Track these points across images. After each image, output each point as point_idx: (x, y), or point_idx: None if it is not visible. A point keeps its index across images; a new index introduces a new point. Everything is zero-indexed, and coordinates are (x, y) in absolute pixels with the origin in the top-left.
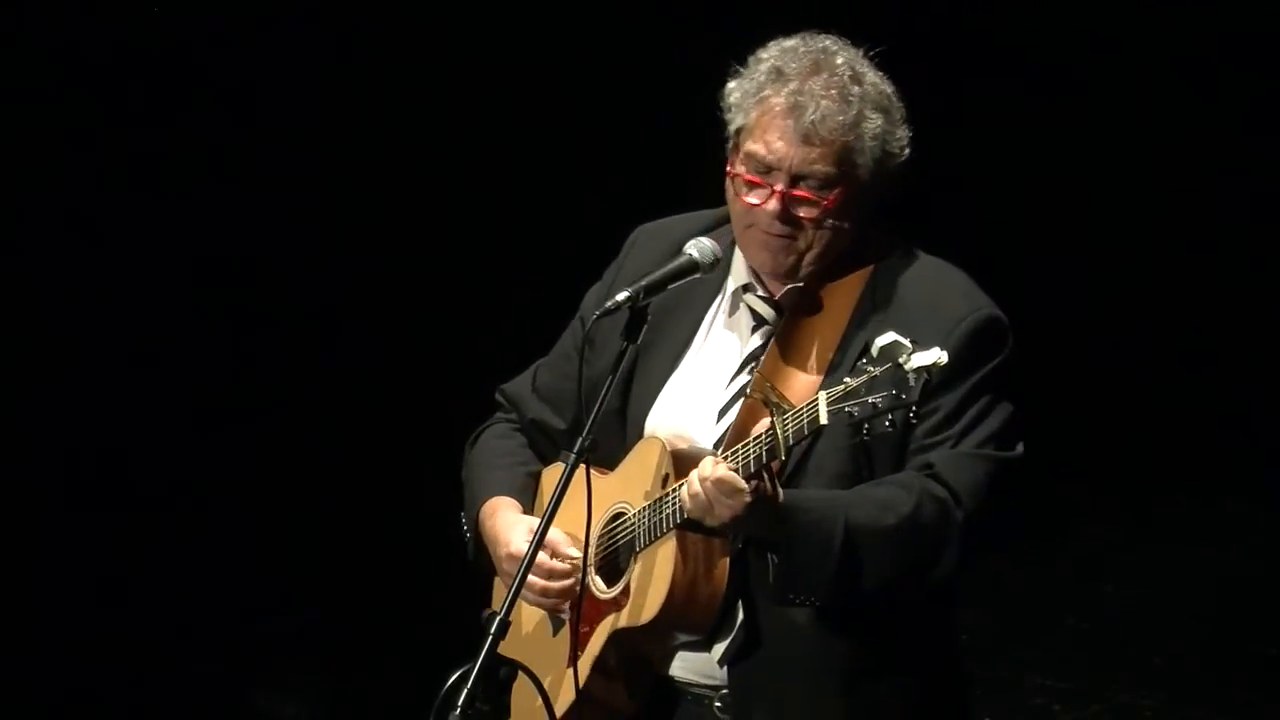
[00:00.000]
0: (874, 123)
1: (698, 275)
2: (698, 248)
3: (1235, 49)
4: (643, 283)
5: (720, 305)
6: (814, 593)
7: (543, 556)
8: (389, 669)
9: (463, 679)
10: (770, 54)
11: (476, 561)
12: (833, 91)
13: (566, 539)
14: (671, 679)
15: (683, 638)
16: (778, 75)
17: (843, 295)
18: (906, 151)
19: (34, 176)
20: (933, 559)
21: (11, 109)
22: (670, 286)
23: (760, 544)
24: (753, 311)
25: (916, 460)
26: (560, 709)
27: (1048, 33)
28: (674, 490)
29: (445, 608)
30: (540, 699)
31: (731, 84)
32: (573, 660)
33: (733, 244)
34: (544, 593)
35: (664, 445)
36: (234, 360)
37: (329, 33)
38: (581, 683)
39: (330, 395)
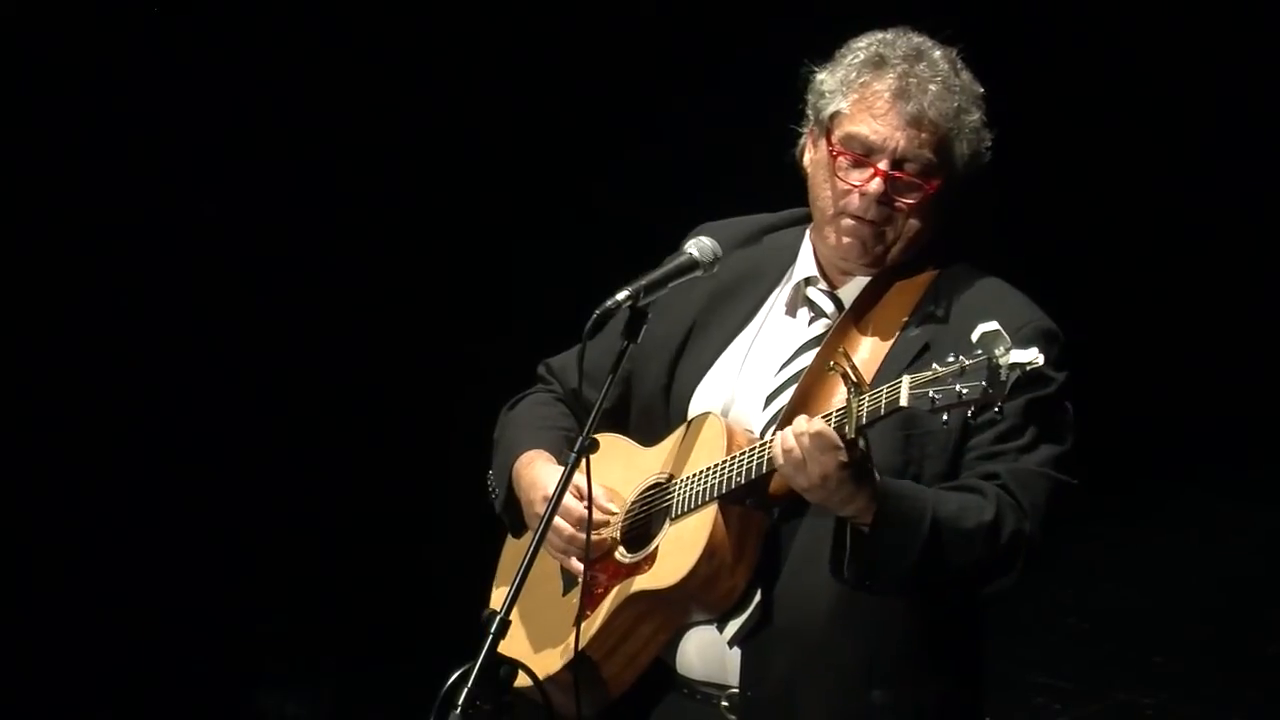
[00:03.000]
0: (973, 116)
1: (698, 273)
2: (698, 246)
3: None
4: (642, 282)
5: (780, 294)
6: (894, 583)
7: (576, 504)
8: (390, 668)
9: (463, 678)
10: (865, 43)
11: (505, 514)
12: (939, 79)
13: (604, 492)
14: (682, 677)
15: (698, 614)
16: (880, 61)
17: (904, 295)
18: (990, 154)
19: (33, 177)
20: (1000, 569)
21: (11, 109)
22: (670, 285)
23: (839, 523)
24: (812, 304)
25: (980, 468)
26: (556, 665)
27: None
28: (727, 460)
29: (446, 607)
30: (540, 693)
31: (822, 74)
32: (579, 619)
33: (793, 241)
34: (571, 540)
35: (721, 419)
36: (235, 359)
37: (339, 32)
38: (584, 641)
39: (332, 394)
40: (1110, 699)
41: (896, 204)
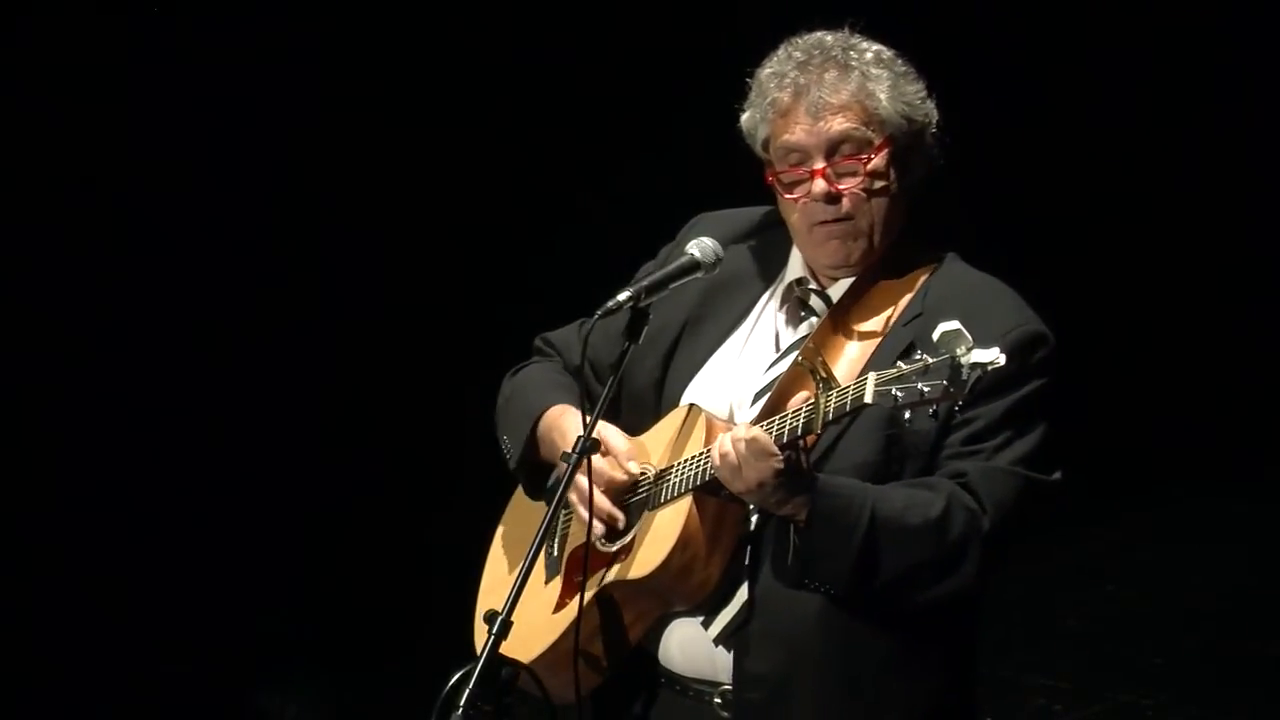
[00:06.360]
0: (881, 80)
1: (699, 274)
2: (699, 247)
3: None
4: (644, 283)
5: (772, 295)
6: (832, 581)
7: (604, 465)
8: (391, 669)
9: (465, 679)
10: (764, 70)
11: (519, 471)
12: (830, 63)
13: (631, 450)
14: (672, 673)
15: (675, 604)
16: (779, 78)
17: (895, 294)
18: (929, 105)
19: (35, 178)
20: (951, 567)
21: (10, 109)
22: (671, 286)
23: (780, 521)
24: (803, 303)
25: (949, 467)
26: (536, 651)
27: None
28: (703, 453)
29: (447, 608)
30: (540, 692)
31: (744, 115)
32: (560, 606)
33: (786, 238)
34: (610, 483)
35: (701, 410)
36: (236, 359)
37: (346, 35)
38: (564, 628)
39: (332, 393)
40: (1110, 700)
41: (851, 191)
